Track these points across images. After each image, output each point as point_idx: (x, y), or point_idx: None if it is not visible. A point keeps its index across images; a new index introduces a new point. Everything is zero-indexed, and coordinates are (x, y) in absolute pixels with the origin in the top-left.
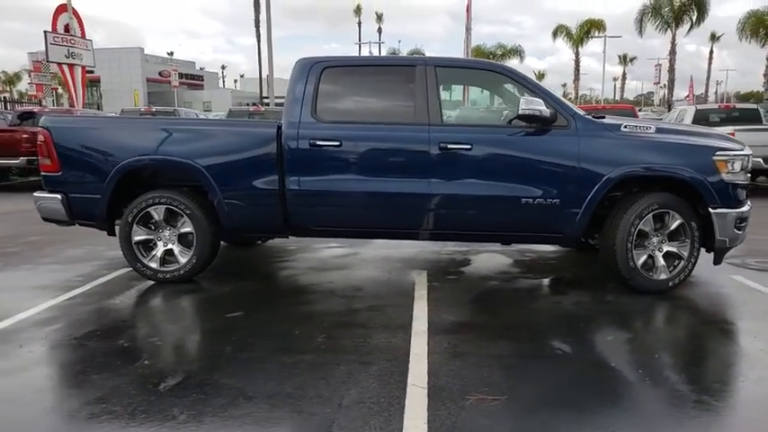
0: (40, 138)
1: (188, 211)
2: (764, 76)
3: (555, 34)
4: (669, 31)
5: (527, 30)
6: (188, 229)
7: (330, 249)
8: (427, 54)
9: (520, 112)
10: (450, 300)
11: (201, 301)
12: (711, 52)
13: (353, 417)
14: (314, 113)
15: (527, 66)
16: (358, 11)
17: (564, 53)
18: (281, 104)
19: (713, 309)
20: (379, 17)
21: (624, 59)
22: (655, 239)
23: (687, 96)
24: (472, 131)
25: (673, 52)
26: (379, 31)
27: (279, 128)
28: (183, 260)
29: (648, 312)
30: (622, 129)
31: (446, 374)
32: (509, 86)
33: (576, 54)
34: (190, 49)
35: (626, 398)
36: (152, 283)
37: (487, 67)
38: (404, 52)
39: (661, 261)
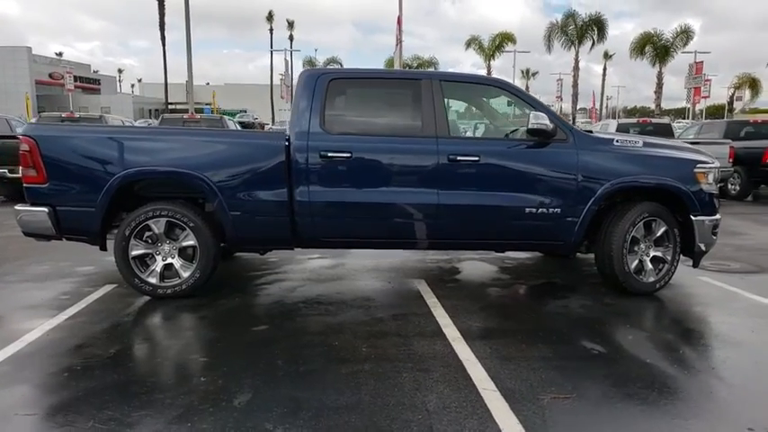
0: (24, 147)
1: (191, 224)
2: (655, 92)
3: (468, 45)
4: (573, 48)
5: (430, 41)
6: (191, 242)
7: (314, 260)
8: (345, 64)
9: (530, 126)
10: (463, 307)
11: (217, 316)
12: (605, 69)
13: (448, 421)
14: (322, 125)
15: None
16: (270, 17)
17: (466, 67)
18: (201, 110)
19: (700, 305)
20: (291, 24)
21: (527, 74)
22: (643, 245)
23: (591, 109)
24: (478, 143)
25: (576, 68)
26: (291, 38)
27: (287, 139)
28: (184, 274)
29: (648, 312)
30: (615, 143)
31: (508, 377)
32: (508, 101)
33: (488, 67)
34: (77, 50)
35: (675, 389)
36: (147, 298)
37: (489, 83)
38: (320, 61)
39: (649, 265)
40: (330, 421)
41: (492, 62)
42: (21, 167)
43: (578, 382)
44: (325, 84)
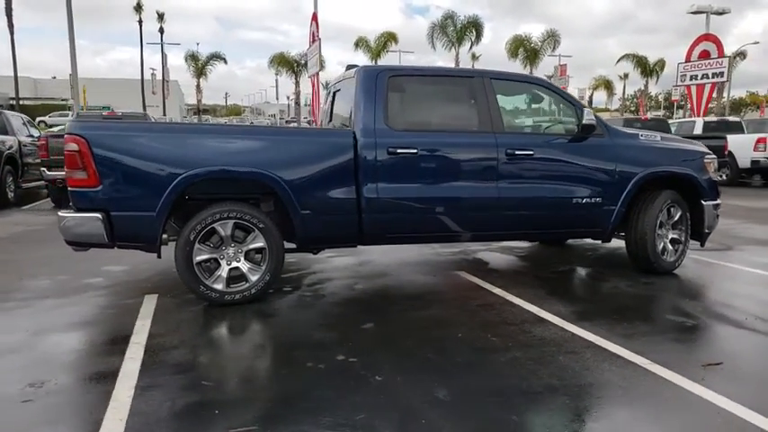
0: (72, 147)
1: (261, 225)
2: None
3: (357, 45)
4: (454, 48)
5: (295, 39)
6: (259, 243)
7: (337, 259)
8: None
9: (585, 121)
10: (532, 294)
11: (310, 317)
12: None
13: (645, 391)
14: (386, 121)
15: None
16: (139, 8)
17: (333, 65)
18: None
19: (717, 278)
20: (161, 17)
21: None
22: (664, 229)
23: None
24: (531, 138)
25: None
26: (161, 31)
27: (354, 136)
28: (253, 278)
29: (683, 286)
30: (641, 137)
31: (650, 352)
32: (546, 97)
33: None
34: None
35: None
36: (201, 307)
37: (532, 81)
38: (203, 55)
39: (670, 246)
40: (557, 402)
41: (379, 61)
42: (66, 169)
43: (716, 352)
44: (385, 81)
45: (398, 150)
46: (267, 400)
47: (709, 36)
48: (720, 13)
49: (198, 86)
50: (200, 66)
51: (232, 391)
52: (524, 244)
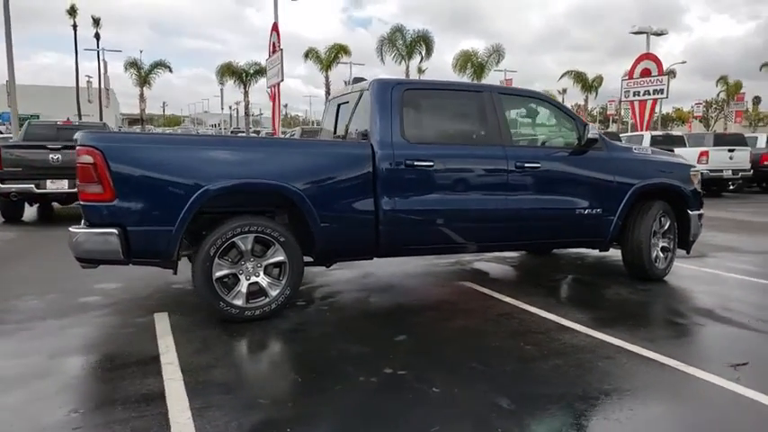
0: (86, 159)
1: (282, 239)
2: None
3: (306, 56)
4: (404, 62)
5: (234, 47)
6: (279, 258)
7: (336, 272)
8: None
9: (590, 136)
10: (545, 302)
11: (336, 333)
12: None
13: (695, 390)
14: (403, 134)
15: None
16: (72, 12)
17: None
18: None
19: (704, 283)
20: (96, 21)
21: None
22: (656, 238)
23: None
24: (537, 151)
25: None
26: (97, 36)
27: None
28: (273, 293)
29: (678, 292)
30: (634, 150)
31: (680, 355)
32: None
33: (327, 78)
34: None
35: None
36: (216, 325)
37: (533, 95)
38: (146, 63)
39: (661, 254)
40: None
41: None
42: (79, 183)
43: (739, 353)
44: (401, 94)
45: (416, 163)
46: (335, 416)
47: (650, 55)
48: (659, 34)
49: (141, 95)
50: (143, 74)
51: (294, 409)
52: (513, 254)
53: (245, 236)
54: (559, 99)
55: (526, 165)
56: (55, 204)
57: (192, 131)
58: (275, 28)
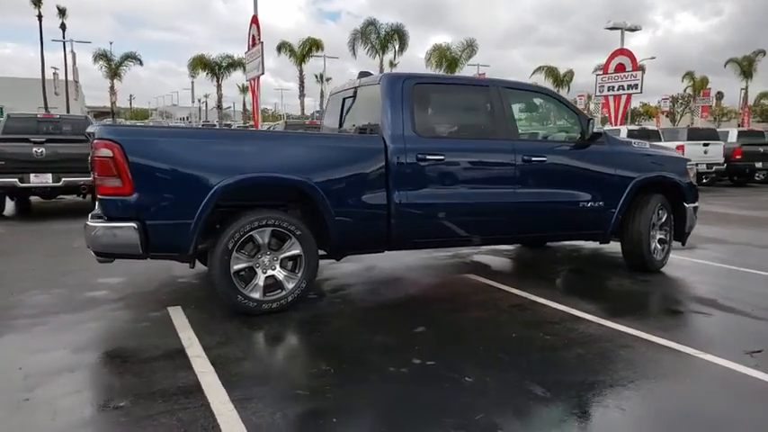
0: (105, 152)
1: (298, 232)
2: None
3: (279, 50)
4: (378, 56)
5: (201, 39)
6: (296, 251)
7: (339, 266)
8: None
9: (595, 130)
10: (548, 293)
11: (363, 322)
12: None
13: (714, 379)
14: (414, 128)
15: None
16: (37, 2)
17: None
18: None
19: (700, 273)
20: (62, 12)
21: (321, 78)
22: (654, 230)
23: None
24: (543, 144)
25: None
26: (63, 27)
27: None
28: (289, 286)
29: (678, 281)
30: (633, 144)
31: (699, 344)
32: (550, 105)
33: (300, 72)
34: None
35: None
36: (237, 317)
37: (537, 90)
38: (117, 56)
39: (658, 246)
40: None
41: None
42: (97, 176)
43: (753, 340)
44: (411, 88)
45: (427, 156)
46: (377, 406)
47: (624, 51)
48: (634, 30)
49: (112, 88)
50: (113, 66)
51: (334, 399)
52: (509, 246)
53: (263, 229)
54: None
55: (533, 158)
56: (33, 199)
57: (163, 124)
58: (255, 21)
